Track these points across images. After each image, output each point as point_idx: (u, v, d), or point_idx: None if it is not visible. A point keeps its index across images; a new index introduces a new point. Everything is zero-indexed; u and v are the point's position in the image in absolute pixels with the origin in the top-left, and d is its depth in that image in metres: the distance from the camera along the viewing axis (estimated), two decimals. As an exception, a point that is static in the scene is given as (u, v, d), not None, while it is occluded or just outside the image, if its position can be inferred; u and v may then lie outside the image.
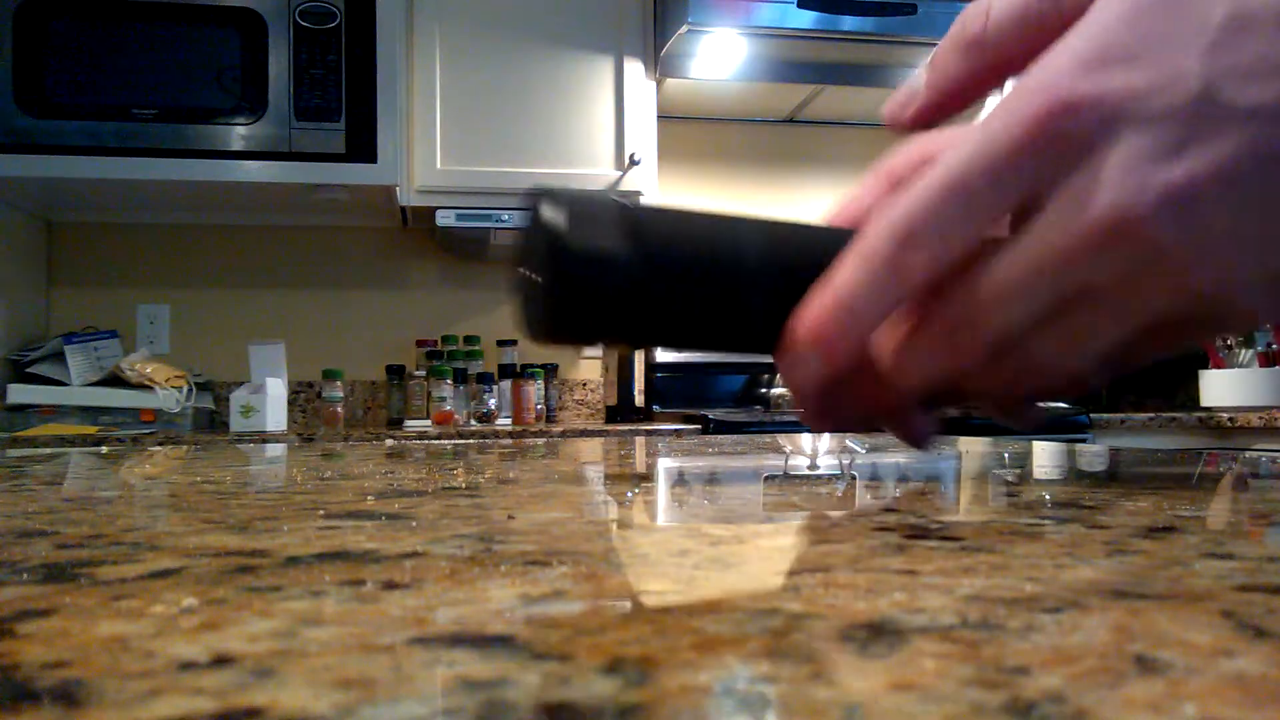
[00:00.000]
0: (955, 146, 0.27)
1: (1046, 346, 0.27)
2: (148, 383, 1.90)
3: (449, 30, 2.06)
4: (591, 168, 2.09)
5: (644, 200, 0.32)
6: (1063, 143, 0.25)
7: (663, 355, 2.31)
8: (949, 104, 0.33)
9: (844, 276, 0.28)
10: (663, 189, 2.25)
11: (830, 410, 0.33)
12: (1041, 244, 0.26)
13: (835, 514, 0.29)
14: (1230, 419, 2.00)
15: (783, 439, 0.88)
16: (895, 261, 0.27)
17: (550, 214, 0.28)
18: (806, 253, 0.31)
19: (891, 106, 0.34)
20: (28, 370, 1.92)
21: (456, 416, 2.04)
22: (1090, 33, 0.26)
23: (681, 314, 0.30)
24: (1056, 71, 0.26)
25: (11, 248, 2.05)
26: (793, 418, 1.94)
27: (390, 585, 0.18)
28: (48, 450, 0.81)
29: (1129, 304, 0.26)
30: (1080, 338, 0.27)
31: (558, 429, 1.91)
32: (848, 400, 0.33)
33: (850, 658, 0.13)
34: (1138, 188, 0.24)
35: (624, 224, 0.29)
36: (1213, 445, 2.02)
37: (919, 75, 0.33)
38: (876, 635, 0.14)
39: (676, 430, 1.83)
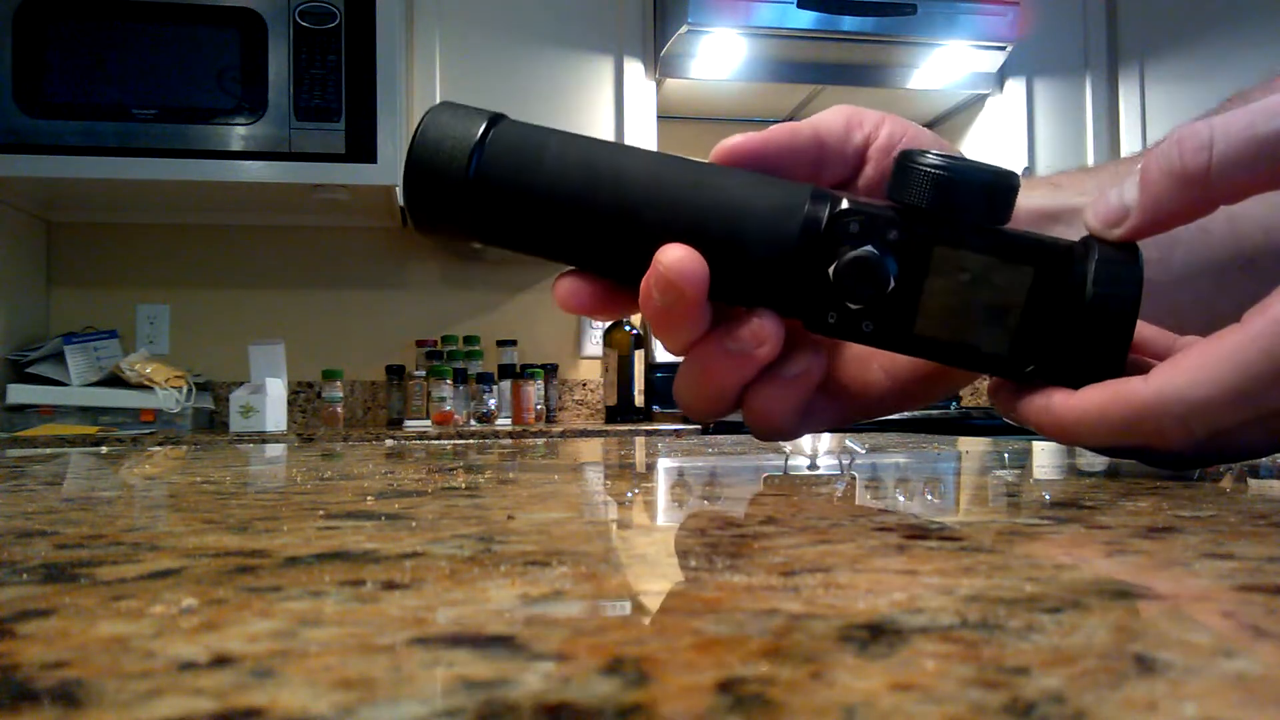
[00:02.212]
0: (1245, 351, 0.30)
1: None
2: (147, 383, 1.90)
3: (449, 30, 2.06)
4: (591, 168, 2.09)
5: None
6: None
7: (663, 356, 2.31)
8: (1158, 229, 0.33)
9: (1108, 422, 0.32)
10: (662, 189, 2.25)
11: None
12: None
13: (835, 514, 0.29)
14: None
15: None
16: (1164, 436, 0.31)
17: (425, 116, 0.33)
18: (649, 181, 0.33)
19: (1103, 217, 0.33)
20: (27, 370, 1.92)
21: (456, 416, 2.04)
22: None
23: (514, 217, 0.33)
24: None
25: (11, 248, 2.05)
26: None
27: (390, 585, 0.18)
28: (48, 450, 0.81)
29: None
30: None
31: (557, 429, 1.91)
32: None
33: (850, 658, 0.13)
34: None
35: (478, 129, 0.33)
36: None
37: (1128, 189, 0.32)
38: (876, 635, 0.14)
39: (676, 430, 1.83)
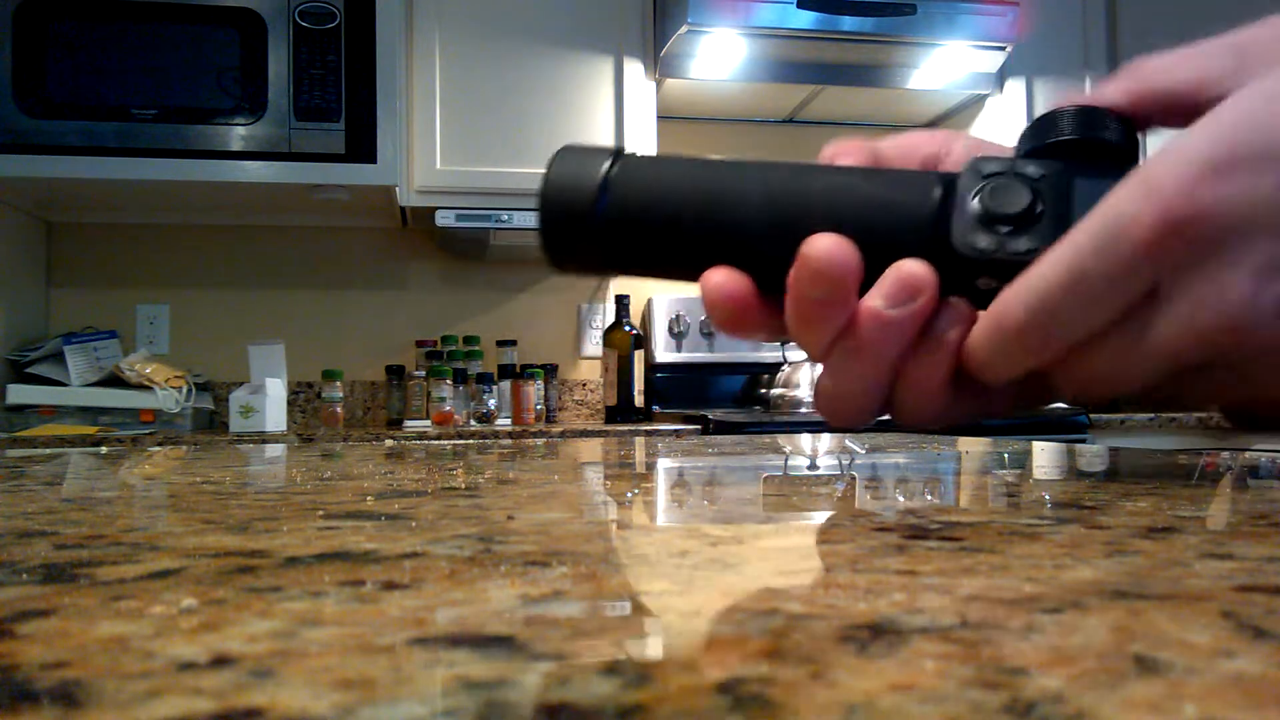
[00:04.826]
0: (1080, 230, 0.28)
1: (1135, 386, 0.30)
2: (147, 383, 1.90)
3: (449, 30, 2.06)
4: (591, 168, 2.09)
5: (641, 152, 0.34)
6: (1182, 249, 0.26)
7: (662, 356, 2.31)
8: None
9: (976, 339, 0.30)
10: (662, 189, 2.25)
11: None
12: (1156, 333, 0.28)
13: (835, 514, 0.29)
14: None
15: (783, 439, 0.88)
16: (1017, 342, 0.29)
17: (551, 161, 0.34)
18: (779, 196, 0.33)
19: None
20: (27, 370, 1.92)
21: (456, 417, 2.04)
22: (1218, 134, 0.26)
23: (648, 247, 0.34)
24: (1180, 177, 0.26)
25: (11, 248, 2.05)
26: (790, 418, 1.94)
27: (390, 586, 0.18)
28: (47, 450, 0.81)
29: (1228, 378, 0.29)
30: (1171, 392, 0.30)
31: (557, 429, 1.91)
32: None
33: (850, 658, 0.13)
34: (1251, 301, 0.26)
35: (602, 167, 0.34)
36: (1213, 445, 2.02)
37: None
38: (876, 635, 0.14)
39: (676, 431, 1.83)
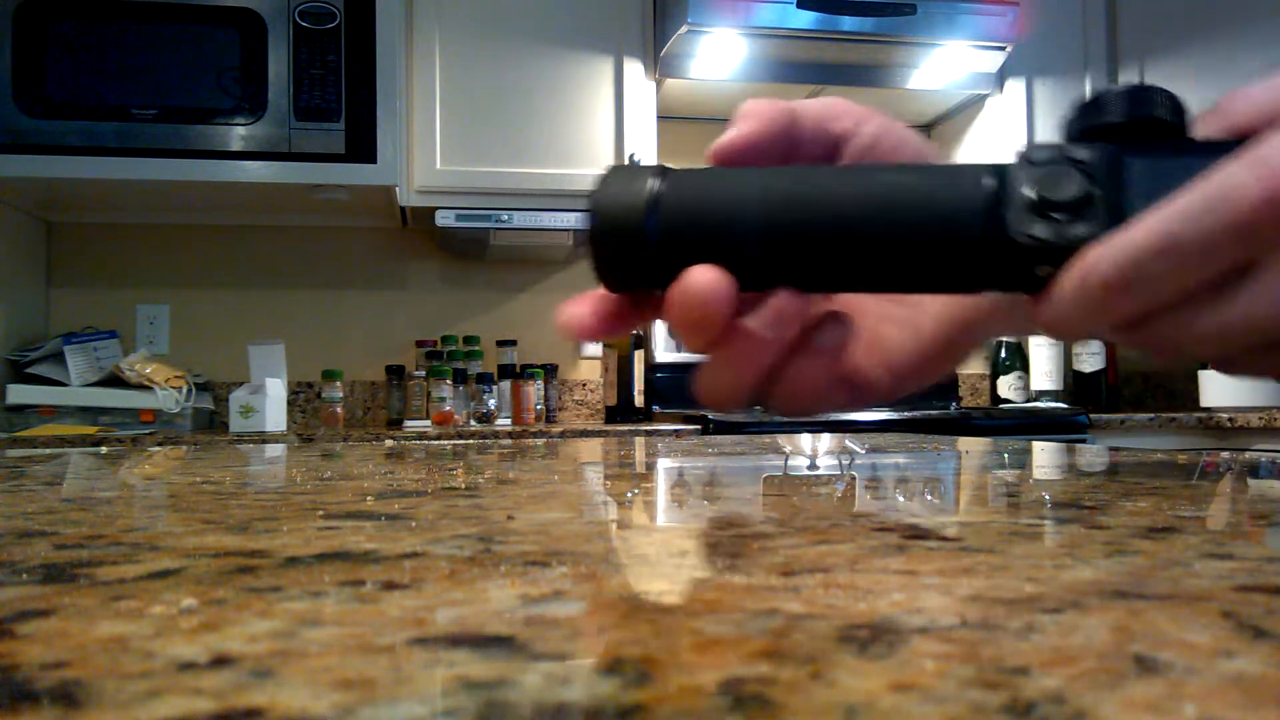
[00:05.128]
0: (1181, 196, 0.28)
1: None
2: (147, 383, 1.90)
3: (449, 30, 2.06)
4: (591, 168, 2.09)
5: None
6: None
7: (662, 355, 2.31)
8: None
9: (1058, 299, 0.30)
10: (662, 189, 2.25)
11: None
12: (1247, 306, 0.28)
13: (835, 514, 0.29)
14: (1230, 419, 2.00)
15: (783, 439, 0.88)
16: (1101, 299, 0.29)
17: (597, 183, 0.34)
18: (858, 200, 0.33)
19: None
20: (27, 370, 1.92)
21: (456, 417, 2.04)
22: None
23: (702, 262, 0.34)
24: None
25: (11, 248, 2.05)
26: (790, 419, 1.94)
27: (390, 586, 0.18)
28: (47, 450, 0.81)
29: None
30: (1252, 369, 0.30)
31: (557, 429, 1.91)
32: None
33: (850, 658, 0.13)
34: None
35: (649, 185, 0.33)
36: (1213, 445, 2.02)
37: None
38: (876, 635, 0.14)
39: (676, 431, 1.83)
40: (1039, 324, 0.32)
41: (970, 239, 0.32)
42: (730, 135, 0.36)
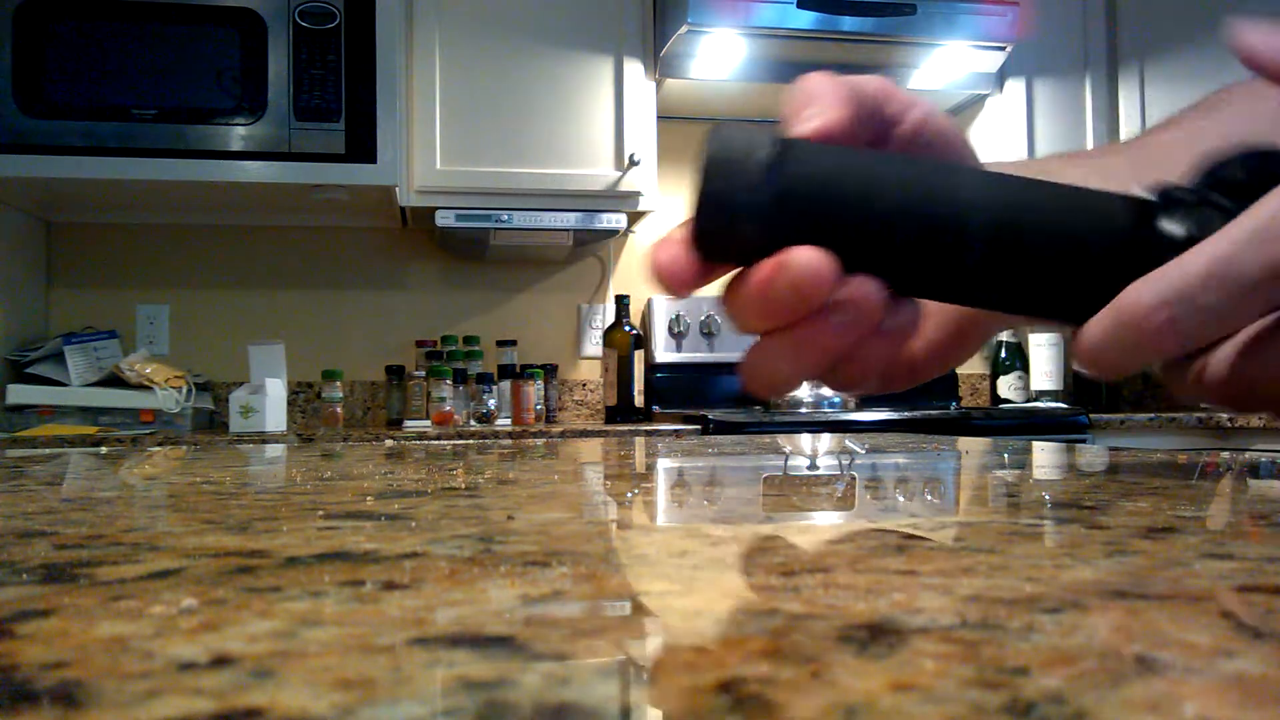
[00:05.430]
0: (1228, 229, 0.28)
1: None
2: (147, 383, 1.90)
3: (449, 30, 2.06)
4: (591, 168, 2.09)
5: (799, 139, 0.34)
6: None
7: (662, 356, 2.31)
8: None
9: (1102, 328, 0.30)
10: (662, 189, 2.25)
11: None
12: None
13: (835, 514, 0.29)
14: (1230, 419, 2.00)
15: (783, 439, 0.88)
16: (1144, 325, 0.29)
17: (705, 147, 0.32)
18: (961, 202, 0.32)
19: None
20: (27, 370, 1.92)
21: (456, 417, 2.04)
22: None
23: (820, 234, 0.32)
24: None
25: (11, 248, 2.05)
26: (790, 418, 1.94)
27: (390, 586, 0.18)
28: (47, 450, 0.81)
29: None
30: None
31: (557, 429, 1.91)
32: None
33: (850, 658, 0.13)
34: None
35: (767, 147, 0.32)
36: (1213, 445, 2.02)
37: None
38: (876, 635, 0.14)
39: (676, 431, 1.83)
40: (1081, 362, 0.32)
41: (1118, 270, 0.32)
42: (819, 122, 0.34)
